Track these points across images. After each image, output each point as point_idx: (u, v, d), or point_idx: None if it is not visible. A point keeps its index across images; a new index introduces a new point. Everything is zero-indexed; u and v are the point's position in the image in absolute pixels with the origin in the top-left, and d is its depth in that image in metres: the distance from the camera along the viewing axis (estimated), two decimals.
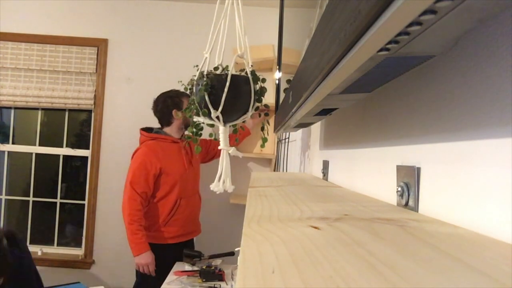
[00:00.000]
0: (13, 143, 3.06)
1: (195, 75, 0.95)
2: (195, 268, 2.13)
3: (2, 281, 1.55)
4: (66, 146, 3.05)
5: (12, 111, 3.06)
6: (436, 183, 0.42)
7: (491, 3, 0.26)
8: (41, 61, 2.93)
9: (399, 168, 0.51)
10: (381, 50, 0.30)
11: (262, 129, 1.05)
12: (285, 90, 0.95)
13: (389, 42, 0.29)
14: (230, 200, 2.78)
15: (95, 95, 2.96)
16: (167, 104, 2.31)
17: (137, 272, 2.25)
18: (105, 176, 2.97)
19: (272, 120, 2.19)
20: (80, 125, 3.10)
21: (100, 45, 2.96)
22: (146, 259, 2.15)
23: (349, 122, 0.82)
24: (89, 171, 2.98)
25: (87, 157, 3.02)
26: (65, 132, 3.06)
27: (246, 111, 0.96)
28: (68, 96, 2.95)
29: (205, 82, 0.89)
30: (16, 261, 1.64)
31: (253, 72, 0.96)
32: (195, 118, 0.98)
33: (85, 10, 2.98)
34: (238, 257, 0.27)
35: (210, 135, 1.07)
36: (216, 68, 0.96)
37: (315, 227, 0.35)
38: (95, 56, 2.96)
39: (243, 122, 1.03)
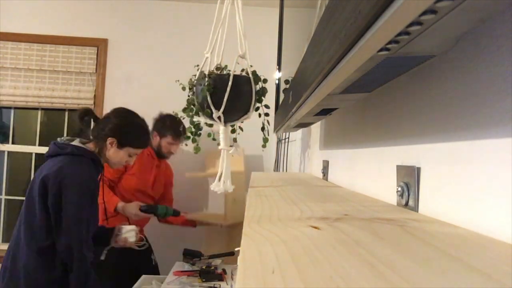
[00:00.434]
0: (13, 143, 3.06)
1: (194, 75, 0.95)
2: (195, 268, 2.13)
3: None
4: None
5: (12, 111, 3.06)
6: (436, 183, 0.42)
7: (491, 3, 0.26)
8: (41, 61, 2.93)
9: (399, 168, 0.51)
10: (381, 50, 0.30)
11: (263, 129, 1.05)
12: (284, 90, 0.95)
13: (389, 42, 0.29)
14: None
15: (95, 95, 2.96)
16: (154, 125, 2.41)
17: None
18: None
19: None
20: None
21: (100, 45, 2.96)
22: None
23: (349, 122, 0.82)
24: None
25: None
26: (65, 132, 3.05)
27: (247, 111, 0.96)
28: (68, 96, 2.95)
29: (207, 82, 0.89)
30: None
31: (254, 73, 0.96)
32: (195, 118, 0.98)
33: (85, 10, 2.98)
34: (238, 257, 0.27)
35: (209, 135, 1.07)
36: (218, 68, 0.96)
37: (315, 227, 0.35)
38: (95, 56, 2.96)
39: (241, 122, 1.02)
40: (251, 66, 0.97)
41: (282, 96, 1.20)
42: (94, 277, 1.42)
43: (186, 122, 1.06)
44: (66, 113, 3.06)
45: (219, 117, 0.92)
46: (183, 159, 2.63)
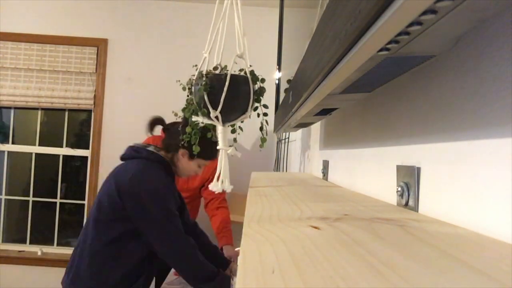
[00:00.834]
0: (13, 143, 3.06)
1: (194, 75, 0.95)
2: None
3: None
4: (66, 146, 3.05)
5: (12, 111, 3.06)
6: (436, 183, 0.42)
7: (491, 3, 0.26)
8: (41, 61, 2.93)
9: (399, 168, 0.51)
10: (381, 50, 0.30)
11: (261, 129, 1.05)
12: (285, 90, 0.95)
13: (389, 42, 0.29)
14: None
15: (95, 95, 2.96)
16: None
17: None
18: (105, 176, 2.95)
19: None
20: (80, 125, 3.10)
21: (100, 45, 2.96)
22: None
23: (349, 122, 0.82)
24: (89, 171, 2.98)
25: (87, 157, 3.02)
26: (65, 132, 3.05)
27: (245, 111, 0.96)
28: (68, 96, 2.95)
29: (204, 82, 0.89)
30: None
31: (252, 72, 0.96)
32: (194, 118, 0.98)
33: (85, 10, 2.98)
34: (238, 257, 0.27)
35: (209, 135, 1.07)
36: (215, 68, 0.96)
37: (315, 227, 0.35)
38: (95, 56, 2.96)
39: (242, 122, 1.02)
40: (250, 66, 0.97)
41: (282, 96, 1.20)
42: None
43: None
44: (66, 113, 3.06)
45: (216, 117, 0.92)
46: None
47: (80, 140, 3.06)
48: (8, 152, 3.05)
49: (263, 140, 1.12)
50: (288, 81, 1.12)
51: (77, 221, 3.05)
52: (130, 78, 2.98)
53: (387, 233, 0.33)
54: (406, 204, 0.48)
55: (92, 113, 3.00)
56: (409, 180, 0.48)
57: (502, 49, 0.32)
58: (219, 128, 0.97)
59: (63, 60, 2.94)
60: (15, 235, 3.06)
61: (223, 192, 0.96)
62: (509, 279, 0.21)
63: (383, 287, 0.20)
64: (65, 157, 3.07)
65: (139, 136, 2.78)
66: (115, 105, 2.98)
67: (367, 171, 0.68)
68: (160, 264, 1.58)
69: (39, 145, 3.05)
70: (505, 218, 0.30)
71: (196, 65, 0.96)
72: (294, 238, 0.31)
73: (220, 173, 0.97)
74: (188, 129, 1.08)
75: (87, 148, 3.01)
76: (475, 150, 0.35)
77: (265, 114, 1.04)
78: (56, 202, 3.06)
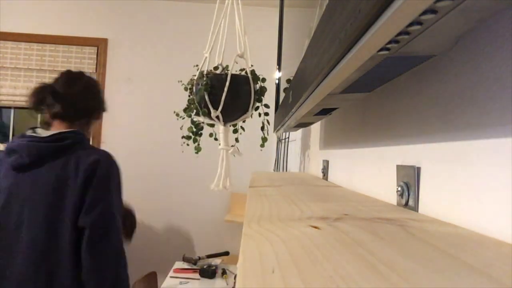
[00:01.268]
0: None
1: (195, 75, 0.95)
2: (195, 267, 2.13)
3: None
4: None
5: (12, 110, 3.06)
6: (436, 183, 0.42)
7: (491, 3, 0.26)
8: (41, 61, 2.93)
9: (399, 168, 0.51)
10: (381, 49, 0.30)
11: (262, 128, 1.05)
12: (285, 89, 0.95)
13: (389, 42, 0.29)
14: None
15: None
16: None
17: None
18: None
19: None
20: None
21: (100, 45, 2.96)
22: None
23: (349, 122, 0.82)
24: None
25: None
26: None
27: (246, 110, 0.96)
28: None
29: (205, 82, 0.89)
30: None
31: (253, 72, 0.96)
32: (195, 118, 0.98)
33: (85, 10, 2.98)
34: (238, 257, 0.27)
35: (210, 135, 1.07)
36: (216, 68, 0.96)
37: (315, 227, 0.35)
38: (95, 56, 2.96)
39: (242, 121, 1.03)
40: (251, 66, 0.97)
41: (282, 95, 1.20)
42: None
43: (187, 122, 1.06)
44: None
45: (217, 117, 0.92)
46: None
47: None
48: None
49: (264, 139, 1.12)
50: (288, 81, 1.12)
51: None
52: (130, 78, 2.98)
53: (387, 233, 0.33)
54: (406, 204, 0.48)
55: None
56: (409, 180, 0.48)
57: (502, 49, 0.32)
58: (221, 128, 0.97)
59: (63, 60, 2.94)
60: None
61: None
62: (509, 279, 0.21)
63: (383, 287, 0.20)
64: None
65: (139, 135, 2.79)
66: (115, 105, 2.98)
67: (367, 171, 0.68)
68: None
69: None
70: (505, 218, 0.30)
71: (197, 65, 0.96)
72: (294, 238, 0.31)
73: (221, 173, 0.97)
74: (189, 129, 1.08)
75: None
76: (475, 150, 0.35)
77: (266, 114, 1.04)
78: None
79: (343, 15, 0.31)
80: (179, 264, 2.22)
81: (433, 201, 0.43)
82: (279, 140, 2.65)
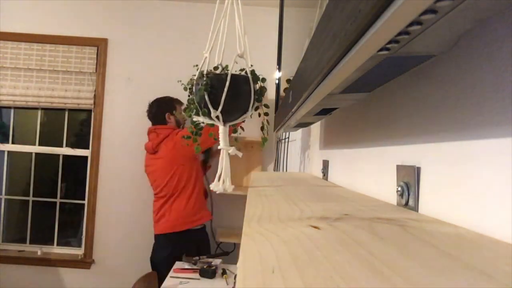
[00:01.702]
0: (13, 143, 3.05)
1: (194, 75, 0.95)
2: (195, 267, 2.13)
3: None
4: (66, 146, 3.05)
5: (12, 110, 3.06)
6: (436, 183, 0.42)
7: (491, 3, 0.26)
8: (41, 61, 2.93)
9: (399, 168, 0.51)
10: (381, 49, 0.30)
11: (262, 128, 1.05)
12: (285, 89, 0.95)
13: (389, 42, 0.29)
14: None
15: (94, 95, 2.96)
16: (161, 108, 2.60)
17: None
18: (105, 176, 2.97)
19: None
20: (80, 125, 3.10)
21: (100, 45, 2.96)
22: None
23: (349, 122, 0.82)
24: (89, 171, 2.98)
25: (87, 157, 3.02)
26: (64, 132, 3.05)
27: (246, 110, 0.96)
28: (68, 95, 2.95)
29: (205, 82, 0.89)
30: None
31: (253, 72, 0.96)
32: (195, 118, 0.98)
33: (85, 10, 2.98)
34: (238, 257, 0.27)
35: (210, 134, 1.07)
36: (216, 68, 0.96)
37: (315, 227, 0.35)
38: (95, 56, 2.96)
39: (243, 121, 1.02)
40: (251, 66, 0.97)
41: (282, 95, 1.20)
42: None
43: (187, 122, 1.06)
44: (66, 113, 3.06)
45: (217, 117, 0.92)
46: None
47: (80, 140, 3.06)
48: (8, 152, 3.05)
49: (264, 139, 1.12)
50: (288, 81, 1.12)
51: (77, 221, 3.05)
52: (130, 78, 2.98)
53: (387, 233, 0.33)
54: (406, 204, 0.48)
55: (92, 113, 3.00)
56: (409, 180, 0.48)
57: (502, 49, 0.32)
58: (220, 128, 0.97)
59: (63, 60, 2.94)
60: (15, 235, 3.06)
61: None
62: (509, 279, 0.21)
63: (383, 287, 0.20)
64: (65, 157, 3.06)
65: (139, 135, 2.79)
66: (115, 105, 2.98)
67: (367, 171, 0.68)
68: None
69: (39, 145, 3.05)
70: (505, 218, 0.30)
71: (196, 65, 0.96)
72: (294, 238, 0.31)
73: (221, 173, 0.97)
74: (189, 129, 1.08)
75: (87, 148, 3.01)
76: (475, 150, 0.35)
77: (266, 114, 1.04)
78: (56, 202, 3.06)
79: (343, 15, 0.31)
80: (179, 264, 2.22)
81: (433, 201, 0.43)
82: (279, 140, 2.64)
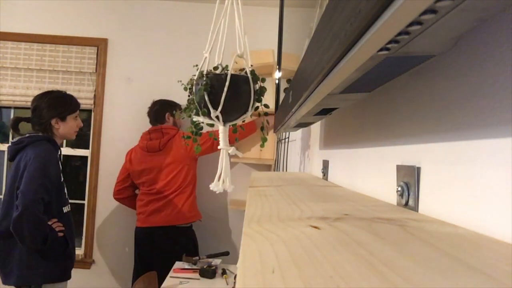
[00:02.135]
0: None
1: (194, 75, 0.95)
2: (195, 267, 2.13)
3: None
4: (66, 145, 3.05)
5: (12, 110, 3.06)
6: (436, 183, 0.42)
7: (491, 3, 0.26)
8: (41, 61, 2.93)
9: (399, 168, 0.51)
10: (381, 49, 0.30)
11: (262, 128, 1.05)
12: (285, 89, 0.95)
13: (389, 42, 0.29)
14: (229, 206, 2.80)
15: (95, 95, 2.96)
16: (164, 107, 2.65)
17: None
18: (105, 175, 2.97)
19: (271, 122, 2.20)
20: None
21: (100, 45, 2.96)
22: None
23: (349, 122, 0.82)
24: (89, 170, 2.98)
25: (87, 157, 3.02)
26: None
27: (246, 110, 0.96)
28: None
29: (204, 82, 0.89)
30: None
31: (252, 72, 0.96)
32: (195, 118, 0.98)
33: (85, 10, 2.98)
34: (238, 257, 0.27)
35: (210, 134, 1.07)
36: (215, 68, 0.96)
37: (315, 227, 0.35)
38: (95, 56, 2.96)
39: (243, 121, 1.03)
40: (251, 66, 0.97)
41: (282, 96, 1.20)
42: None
43: (187, 122, 1.06)
44: None
45: (217, 117, 0.92)
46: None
47: (80, 140, 3.06)
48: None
49: (264, 139, 1.12)
50: (288, 81, 1.12)
51: (77, 220, 3.05)
52: (130, 78, 2.98)
53: (387, 233, 0.33)
54: (406, 204, 0.48)
55: (92, 113, 3.00)
56: (409, 180, 0.48)
57: (502, 49, 0.32)
58: (220, 128, 0.97)
59: (63, 60, 2.94)
60: None
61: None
62: (509, 279, 0.21)
63: (383, 287, 0.20)
64: (65, 156, 3.06)
65: (139, 135, 2.79)
66: (115, 105, 2.98)
67: (367, 171, 0.68)
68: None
69: None
70: (505, 218, 0.30)
71: (196, 65, 0.96)
72: (294, 238, 0.31)
73: (221, 173, 0.97)
74: (189, 129, 1.08)
75: (87, 147, 3.01)
76: (475, 150, 0.35)
77: (266, 114, 1.04)
78: None
79: (343, 15, 0.31)
80: (179, 264, 2.22)
81: (433, 201, 0.43)
82: (279, 140, 2.65)
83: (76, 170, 3.11)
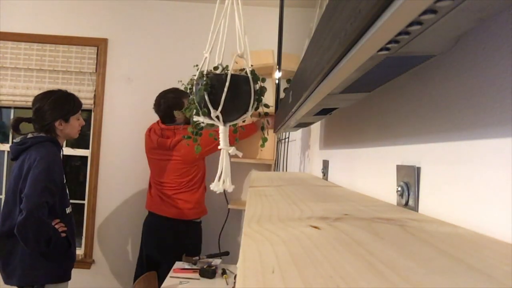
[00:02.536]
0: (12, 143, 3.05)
1: (195, 75, 0.95)
2: (195, 267, 2.13)
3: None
4: (66, 145, 3.05)
5: (12, 110, 3.06)
6: (436, 183, 0.42)
7: (491, 3, 0.26)
8: (41, 61, 2.93)
9: (399, 168, 0.51)
10: (381, 49, 0.30)
11: (262, 128, 1.05)
12: (285, 89, 0.95)
13: (389, 42, 0.29)
14: (229, 206, 2.80)
15: (95, 95, 2.96)
16: (168, 105, 2.57)
17: None
18: (105, 175, 2.97)
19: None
20: None
21: (100, 45, 2.96)
22: None
23: (349, 122, 0.82)
24: (89, 170, 2.98)
25: (87, 157, 3.02)
26: None
27: (246, 110, 0.96)
28: None
29: (205, 82, 0.89)
30: None
31: (253, 72, 0.96)
32: (195, 118, 0.98)
33: (85, 10, 2.98)
34: (239, 257, 0.27)
35: (210, 134, 1.07)
36: (216, 68, 0.96)
37: (315, 227, 0.35)
38: (95, 56, 2.96)
39: (243, 121, 1.02)
40: (251, 66, 0.97)
41: (282, 95, 1.20)
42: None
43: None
44: None
45: (217, 117, 0.92)
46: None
47: (80, 140, 3.06)
48: (8, 152, 3.05)
49: (264, 139, 1.12)
50: (288, 81, 1.12)
51: (77, 220, 3.05)
52: (130, 78, 2.98)
53: (387, 233, 0.33)
54: (406, 204, 0.48)
55: (92, 113, 3.00)
56: (409, 180, 0.48)
57: (501, 49, 0.32)
58: (220, 128, 0.97)
59: (63, 60, 2.94)
60: None
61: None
62: (509, 279, 0.21)
63: (383, 287, 0.20)
64: (65, 156, 3.06)
65: (139, 135, 2.79)
66: (115, 104, 2.98)
67: (367, 171, 0.68)
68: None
69: None
70: (505, 218, 0.30)
71: (197, 65, 0.96)
72: (294, 238, 0.31)
73: (221, 173, 0.97)
74: (189, 129, 1.08)
75: (87, 147, 3.01)
76: (475, 150, 0.35)
77: (266, 114, 1.04)
78: None
79: (343, 15, 0.31)
80: (179, 264, 2.22)
81: (433, 201, 0.43)
82: (279, 140, 2.64)
83: (76, 170, 3.11)
